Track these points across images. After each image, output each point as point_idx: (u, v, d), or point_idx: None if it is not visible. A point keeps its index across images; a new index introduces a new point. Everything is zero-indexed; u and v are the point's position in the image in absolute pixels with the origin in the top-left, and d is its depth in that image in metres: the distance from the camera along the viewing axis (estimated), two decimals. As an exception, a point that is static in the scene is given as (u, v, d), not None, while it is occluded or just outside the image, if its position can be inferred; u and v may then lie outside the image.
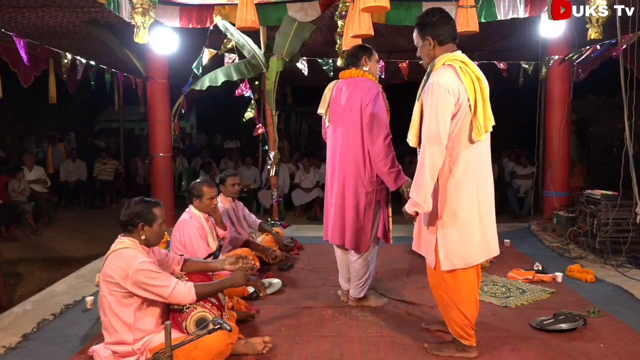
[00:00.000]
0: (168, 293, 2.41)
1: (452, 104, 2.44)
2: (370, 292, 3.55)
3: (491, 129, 2.54)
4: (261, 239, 4.85)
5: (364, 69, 3.33)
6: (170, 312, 2.55)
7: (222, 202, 4.40)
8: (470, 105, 2.46)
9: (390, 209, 3.39)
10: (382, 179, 3.25)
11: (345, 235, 3.34)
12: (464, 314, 2.63)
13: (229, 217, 4.44)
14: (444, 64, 2.52)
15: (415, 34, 2.68)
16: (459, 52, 2.58)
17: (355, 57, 3.38)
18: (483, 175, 2.60)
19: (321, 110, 3.48)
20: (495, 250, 2.67)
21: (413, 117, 2.61)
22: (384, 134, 3.17)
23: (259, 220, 4.91)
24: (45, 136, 11.75)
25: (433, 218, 2.60)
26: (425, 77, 2.63)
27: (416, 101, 2.61)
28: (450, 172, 2.53)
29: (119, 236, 2.53)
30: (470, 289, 2.63)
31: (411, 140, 2.63)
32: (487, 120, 2.51)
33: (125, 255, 2.41)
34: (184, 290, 2.45)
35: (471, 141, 2.51)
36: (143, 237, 2.50)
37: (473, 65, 2.53)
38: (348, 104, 3.28)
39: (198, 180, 3.79)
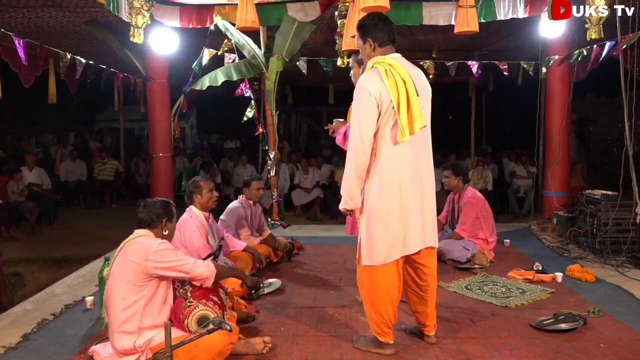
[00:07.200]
0: (190, 267, 2.52)
1: (374, 105, 2.52)
2: None
3: (418, 130, 2.52)
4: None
5: None
6: (175, 301, 2.58)
7: (244, 205, 4.50)
8: (394, 107, 2.50)
9: None
10: None
11: None
12: (379, 312, 2.67)
13: (246, 220, 4.50)
14: (372, 66, 2.60)
15: (357, 37, 2.77)
16: (394, 54, 2.66)
17: None
18: (409, 176, 2.59)
19: None
20: (412, 249, 2.64)
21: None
22: None
23: (269, 231, 4.85)
24: (53, 137, 11.75)
25: (361, 215, 2.68)
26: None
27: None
28: (375, 172, 2.59)
29: (135, 231, 2.62)
30: (387, 287, 2.65)
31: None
32: (413, 121, 2.51)
33: (143, 241, 2.53)
34: (203, 264, 2.59)
35: (395, 142, 2.54)
36: (166, 232, 2.65)
37: (401, 67, 2.56)
38: None
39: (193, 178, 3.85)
